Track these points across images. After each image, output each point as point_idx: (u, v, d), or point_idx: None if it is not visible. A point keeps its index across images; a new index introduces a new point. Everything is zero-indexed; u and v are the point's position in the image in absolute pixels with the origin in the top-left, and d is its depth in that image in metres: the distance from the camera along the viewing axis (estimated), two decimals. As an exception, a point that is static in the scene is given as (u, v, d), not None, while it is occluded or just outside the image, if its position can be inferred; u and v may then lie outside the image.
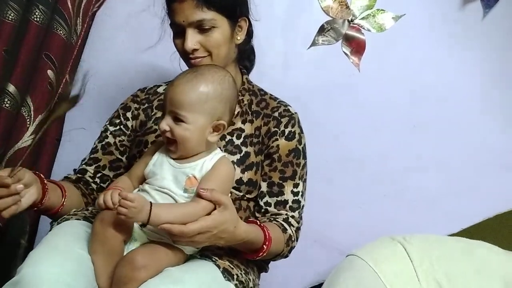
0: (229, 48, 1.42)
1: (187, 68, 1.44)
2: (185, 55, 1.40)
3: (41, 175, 1.26)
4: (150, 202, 1.12)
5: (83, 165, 1.49)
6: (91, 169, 1.48)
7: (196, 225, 1.12)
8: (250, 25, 1.50)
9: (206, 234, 1.14)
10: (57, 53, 1.69)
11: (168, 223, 1.11)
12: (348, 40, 1.98)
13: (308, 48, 1.98)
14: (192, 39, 1.37)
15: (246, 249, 1.28)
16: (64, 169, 1.59)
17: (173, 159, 1.25)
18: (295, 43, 1.98)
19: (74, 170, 1.50)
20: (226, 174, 1.25)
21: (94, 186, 1.47)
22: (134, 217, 1.10)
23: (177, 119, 1.21)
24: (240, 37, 1.46)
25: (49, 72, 1.66)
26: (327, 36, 1.98)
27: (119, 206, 1.08)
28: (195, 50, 1.38)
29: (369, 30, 1.97)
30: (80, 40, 1.81)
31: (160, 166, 1.26)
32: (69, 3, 1.69)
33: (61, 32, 1.69)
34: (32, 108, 1.67)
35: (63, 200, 1.32)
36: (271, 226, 1.33)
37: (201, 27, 1.36)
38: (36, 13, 1.62)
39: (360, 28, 1.97)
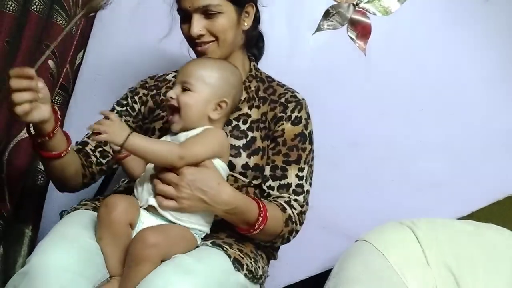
0: (235, 34, 1.42)
1: (195, 56, 1.45)
2: (191, 40, 1.41)
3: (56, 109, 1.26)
4: (131, 131, 1.18)
5: (85, 138, 1.49)
6: (92, 142, 1.47)
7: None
8: (257, 10, 1.50)
9: (188, 184, 1.19)
10: (58, 43, 1.68)
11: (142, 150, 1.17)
12: (354, 24, 1.96)
13: (314, 33, 1.97)
14: (198, 24, 1.37)
15: (240, 220, 1.27)
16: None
17: (174, 134, 1.30)
18: (300, 29, 1.96)
19: (76, 142, 1.49)
20: (211, 135, 1.28)
21: (93, 159, 1.46)
22: (111, 136, 1.14)
23: (185, 89, 1.29)
24: (247, 23, 1.45)
25: (50, 62, 1.66)
26: (332, 21, 1.96)
27: (98, 123, 1.14)
28: (201, 35, 1.38)
29: (374, 14, 1.96)
30: (79, 30, 1.80)
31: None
32: None
33: (60, 22, 1.68)
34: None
35: (68, 146, 1.31)
36: (268, 204, 1.33)
37: (207, 13, 1.36)
38: (36, 3, 1.61)
39: (366, 12, 1.96)
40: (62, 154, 1.30)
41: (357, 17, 1.96)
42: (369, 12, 1.96)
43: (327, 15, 1.96)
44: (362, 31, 1.96)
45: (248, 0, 1.44)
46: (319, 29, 1.97)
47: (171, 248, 1.16)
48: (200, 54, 1.42)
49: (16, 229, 1.70)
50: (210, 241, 1.26)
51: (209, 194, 1.20)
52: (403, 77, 1.97)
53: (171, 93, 1.30)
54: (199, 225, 1.26)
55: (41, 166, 1.72)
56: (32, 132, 1.24)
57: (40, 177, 1.74)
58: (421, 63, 1.97)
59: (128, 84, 1.61)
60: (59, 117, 1.25)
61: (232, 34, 1.41)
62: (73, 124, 1.91)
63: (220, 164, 1.28)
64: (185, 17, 1.40)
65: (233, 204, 1.23)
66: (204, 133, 1.28)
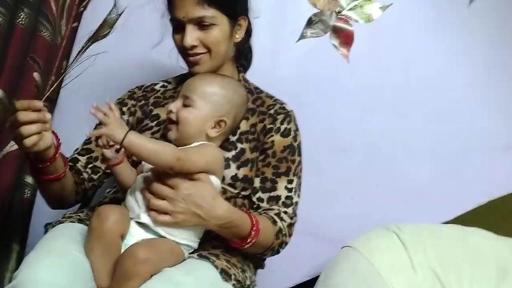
0: (227, 46, 1.43)
1: (185, 65, 1.46)
2: (184, 51, 1.41)
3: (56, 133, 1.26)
4: (129, 129, 1.16)
5: (75, 154, 1.48)
6: (83, 159, 1.47)
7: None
8: (249, 23, 1.51)
9: (183, 198, 1.18)
10: (42, 55, 1.69)
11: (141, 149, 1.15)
12: (337, 31, 1.97)
13: (297, 41, 1.98)
14: (192, 35, 1.37)
15: (233, 234, 1.27)
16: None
17: None
18: (283, 37, 1.97)
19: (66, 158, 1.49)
20: (208, 149, 1.28)
21: (85, 175, 1.45)
22: (110, 132, 1.12)
23: (185, 104, 1.29)
24: (239, 35, 1.47)
25: (35, 74, 1.66)
26: (315, 29, 1.97)
27: (98, 110, 1.13)
28: (194, 46, 1.39)
29: (357, 21, 1.97)
30: (65, 41, 1.79)
31: None
32: (52, 4, 1.68)
33: (45, 34, 1.68)
34: (19, 109, 1.66)
35: (66, 167, 1.31)
36: (260, 217, 1.33)
37: (201, 24, 1.37)
38: (21, 16, 1.61)
39: (348, 20, 1.97)
40: (61, 176, 1.30)
41: (340, 24, 1.97)
42: (351, 19, 1.97)
43: (310, 23, 1.97)
44: (345, 38, 1.97)
45: (241, 12, 1.45)
46: (302, 37, 1.98)
47: (161, 263, 1.15)
48: (192, 64, 1.43)
49: (3, 243, 1.69)
50: (196, 253, 1.26)
51: (205, 209, 1.20)
52: (387, 83, 1.99)
53: (172, 107, 1.30)
54: (189, 241, 1.25)
55: (28, 180, 1.71)
56: (32, 157, 1.24)
57: (27, 190, 1.73)
58: (405, 69, 1.99)
59: (113, 94, 1.59)
60: (59, 141, 1.25)
61: (225, 47, 1.42)
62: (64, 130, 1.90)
63: (214, 181, 1.27)
64: (178, 27, 1.40)
65: (228, 218, 1.23)
66: (201, 145, 1.28)
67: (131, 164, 1.37)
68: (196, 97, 1.29)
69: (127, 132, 1.13)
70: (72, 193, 1.41)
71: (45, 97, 1.21)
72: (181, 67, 1.52)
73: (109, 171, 1.46)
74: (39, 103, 1.13)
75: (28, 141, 1.12)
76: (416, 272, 1.50)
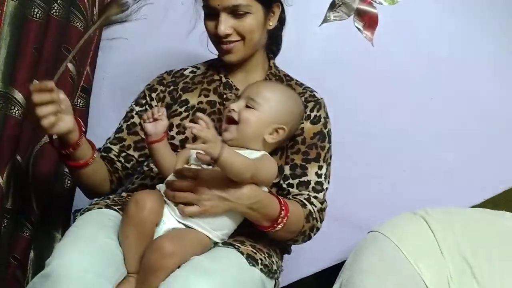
0: (261, 34, 1.43)
1: (215, 51, 1.46)
2: (217, 38, 1.41)
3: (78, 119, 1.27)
4: (222, 141, 1.16)
5: (108, 144, 1.50)
6: (115, 148, 1.48)
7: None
8: (282, 11, 1.50)
9: (206, 185, 1.19)
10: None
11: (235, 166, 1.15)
12: (360, 14, 1.95)
13: (320, 25, 1.96)
14: (226, 23, 1.37)
15: (263, 216, 1.25)
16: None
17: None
18: (306, 21, 1.95)
19: (99, 149, 1.49)
20: (273, 165, 1.29)
21: (118, 164, 1.47)
22: (209, 148, 1.10)
23: (248, 106, 1.29)
24: (272, 23, 1.46)
25: (69, 65, 1.68)
26: (338, 12, 1.95)
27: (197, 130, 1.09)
28: (228, 34, 1.38)
29: (381, 3, 1.94)
30: (97, 31, 1.81)
31: None
32: None
33: (78, 24, 1.70)
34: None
35: (93, 153, 1.33)
36: (289, 201, 1.32)
37: (236, 12, 1.36)
38: (55, 8, 1.62)
39: (372, 2, 1.94)
40: (89, 163, 1.32)
41: (364, 7, 1.94)
42: (375, 1, 1.94)
43: (333, 6, 1.95)
44: (369, 21, 1.95)
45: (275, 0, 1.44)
46: (325, 20, 1.96)
47: (187, 254, 1.15)
48: (224, 52, 1.42)
49: (46, 233, 1.72)
50: (222, 242, 1.26)
51: (230, 191, 1.19)
52: (412, 66, 1.96)
53: (234, 106, 1.30)
54: (219, 231, 1.24)
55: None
56: (56, 144, 1.27)
57: (67, 180, 1.76)
58: (429, 51, 1.96)
59: (138, 82, 1.60)
60: (83, 127, 1.27)
61: (259, 34, 1.41)
62: (82, 123, 1.92)
63: (264, 189, 1.28)
64: (211, 14, 1.40)
65: (255, 197, 1.22)
66: (266, 159, 1.28)
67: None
68: (261, 100, 1.30)
69: (222, 148, 1.12)
70: (105, 182, 1.43)
71: (56, 77, 1.22)
72: (212, 52, 1.51)
73: (142, 159, 1.48)
74: (50, 84, 1.15)
75: (45, 121, 1.15)
76: (444, 257, 1.49)
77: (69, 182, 1.76)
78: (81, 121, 1.28)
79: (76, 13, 1.70)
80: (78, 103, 1.77)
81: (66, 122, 1.20)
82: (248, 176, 1.18)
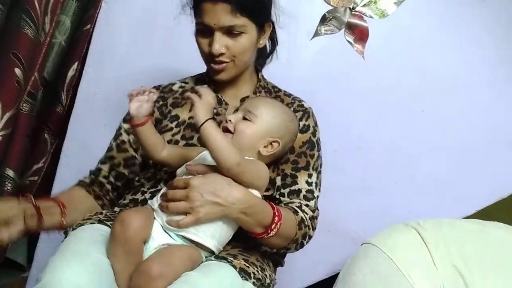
0: (252, 53, 1.45)
1: (201, 68, 1.47)
2: (210, 57, 1.41)
3: (32, 198, 1.29)
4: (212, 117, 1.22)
5: (99, 164, 1.51)
6: (105, 167, 1.49)
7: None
8: (273, 30, 1.52)
9: (198, 191, 1.19)
10: (25, 52, 1.70)
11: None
12: (351, 28, 1.97)
13: (311, 38, 1.98)
14: (220, 42, 1.37)
15: (257, 222, 1.25)
16: (76, 173, 1.60)
17: None
18: (297, 35, 1.97)
19: (90, 171, 1.51)
20: (264, 167, 1.31)
21: (108, 186, 1.48)
22: (197, 109, 1.19)
23: (245, 118, 1.32)
24: (263, 41, 1.48)
25: (17, 70, 1.67)
26: (329, 26, 1.97)
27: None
28: (221, 54, 1.39)
29: (371, 17, 1.97)
30: (47, 38, 1.81)
31: (203, 161, 1.31)
32: (36, 2, 1.69)
33: (28, 31, 1.69)
34: (0, 105, 1.67)
35: (62, 218, 1.34)
36: (281, 208, 1.32)
37: (231, 32, 1.37)
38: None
39: (362, 16, 1.96)
40: (65, 222, 1.34)
41: (354, 20, 1.96)
42: (365, 15, 1.96)
43: (324, 20, 1.96)
44: (360, 34, 1.96)
45: (267, 19, 1.46)
46: (316, 34, 1.97)
47: (178, 273, 1.14)
48: (215, 71, 1.43)
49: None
50: (213, 255, 1.25)
51: (222, 196, 1.19)
52: (403, 78, 1.98)
53: (231, 117, 1.33)
54: (214, 239, 1.24)
55: (9, 172, 1.75)
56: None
57: (7, 182, 1.76)
58: (420, 64, 1.98)
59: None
60: (39, 207, 1.28)
61: (250, 54, 1.43)
62: (75, 137, 1.92)
63: (257, 195, 1.28)
64: (204, 31, 1.40)
65: (248, 201, 1.22)
66: (257, 161, 1.32)
67: (140, 163, 1.39)
68: (259, 113, 1.32)
69: (209, 119, 1.18)
70: (92, 211, 1.41)
71: None
72: (199, 67, 1.52)
73: (132, 176, 1.48)
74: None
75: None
76: (437, 268, 1.48)
77: (9, 185, 1.77)
78: (32, 200, 1.29)
79: (26, 20, 1.69)
80: (24, 107, 1.78)
81: (13, 231, 1.23)
82: (234, 162, 1.20)
